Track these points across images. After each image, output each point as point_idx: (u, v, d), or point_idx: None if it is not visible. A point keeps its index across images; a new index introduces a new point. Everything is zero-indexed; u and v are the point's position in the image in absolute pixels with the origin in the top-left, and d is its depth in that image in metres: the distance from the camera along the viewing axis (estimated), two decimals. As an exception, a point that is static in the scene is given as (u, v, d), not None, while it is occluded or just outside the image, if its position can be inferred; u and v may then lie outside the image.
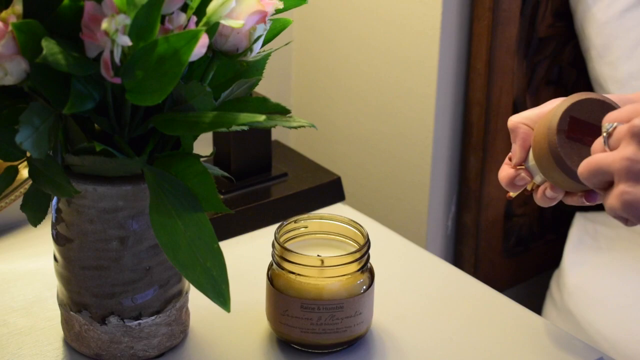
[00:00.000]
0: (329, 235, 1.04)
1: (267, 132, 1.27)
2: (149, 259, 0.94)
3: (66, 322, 0.99)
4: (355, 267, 0.98)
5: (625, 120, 0.84)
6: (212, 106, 0.89)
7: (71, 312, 0.97)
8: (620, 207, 0.82)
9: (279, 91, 1.54)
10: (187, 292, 1.00)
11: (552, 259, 1.62)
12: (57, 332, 1.02)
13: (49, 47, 0.80)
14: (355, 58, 1.47)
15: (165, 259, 0.95)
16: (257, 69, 0.95)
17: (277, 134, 1.37)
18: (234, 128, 0.87)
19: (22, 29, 0.81)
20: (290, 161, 1.33)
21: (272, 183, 1.28)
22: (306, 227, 1.04)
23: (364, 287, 0.99)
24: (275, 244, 1.00)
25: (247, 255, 1.18)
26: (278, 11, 0.91)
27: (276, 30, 0.95)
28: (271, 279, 1.00)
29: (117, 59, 0.81)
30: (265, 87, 1.12)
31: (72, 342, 0.99)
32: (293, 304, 0.98)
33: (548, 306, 1.55)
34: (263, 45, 0.92)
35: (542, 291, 1.62)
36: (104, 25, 0.80)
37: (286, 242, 1.02)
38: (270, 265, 1.01)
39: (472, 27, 1.39)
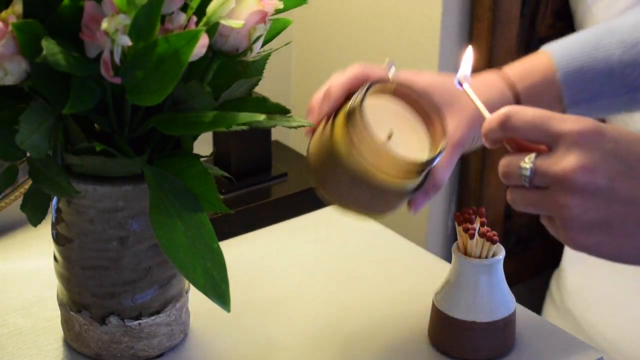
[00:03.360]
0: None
1: (267, 132, 1.27)
2: (149, 259, 0.94)
3: (66, 322, 0.99)
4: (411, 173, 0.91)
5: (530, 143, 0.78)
6: (212, 106, 0.89)
7: (71, 312, 0.97)
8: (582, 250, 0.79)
9: (279, 91, 1.54)
10: (187, 292, 1.00)
11: (552, 259, 1.62)
12: (57, 332, 1.02)
13: (49, 47, 0.80)
14: (355, 58, 1.47)
15: (165, 259, 0.95)
16: (257, 69, 0.95)
17: (277, 134, 1.37)
18: (234, 128, 0.87)
19: (22, 29, 0.81)
20: (290, 161, 1.33)
21: (272, 183, 1.28)
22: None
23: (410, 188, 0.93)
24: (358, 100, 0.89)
25: (247, 255, 1.18)
26: (278, 11, 0.91)
27: (276, 30, 0.95)
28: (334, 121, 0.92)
29: (117, 59, 0.81)
30: (265, 87, 1.12)
31: (72, 342, 0.99)
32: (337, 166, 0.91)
33: (548, 306, 1.55)
34: (263, 45, 0.92)
35: (542, 291, 1.62)
36: (104, 25, 0.80)
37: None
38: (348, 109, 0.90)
39: (472, 27, 1.40)
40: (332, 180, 0.93)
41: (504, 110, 0.79)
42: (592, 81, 0.99)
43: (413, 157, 0.90)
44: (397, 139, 0.92)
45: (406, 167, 0.89)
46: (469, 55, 0.90)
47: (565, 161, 0.75)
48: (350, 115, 0.90)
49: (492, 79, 1.00)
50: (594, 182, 0.74)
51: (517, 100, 0.99)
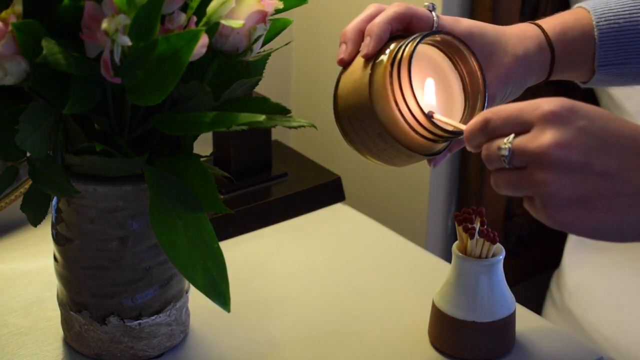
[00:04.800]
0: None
1: (267, 132, 1.27)
2: (149, 259, 0.94)
3: (66, 322, 0.99)
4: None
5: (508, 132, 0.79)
6: (212, 106, 0.89)
7: (71, 312, 0.97)
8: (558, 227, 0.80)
9: (279, 91, 1.54)
10: (187, 292, 1.00)
11: (552, 259, 1.62)
12: (57, 332, 1.02)
13: (49, 47, 0.80)
14: (355, 58, 1.47)
15: (165, 259, 0.95)
16: (257, 69, 0.95)
17: (277, 134, 1.37)
18: (234, 128, 0.87)
19: (22, 29, 0.81)
20: (290, 161, 1.33)
21: (272, 183, 1.28)
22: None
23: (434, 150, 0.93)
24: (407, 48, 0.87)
25: (247, 255, 1.18)
26: (278, 11, 0.91)
27: (276, 30, 0.95)
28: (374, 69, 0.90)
29: (117, 59, 0.81)
30: (265, 87, 1.12)
31: (72, 342, 0.99)
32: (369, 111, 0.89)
33: (548, 306, 1.55)
34: (263, 45, 0.92)
35: (542, 291, 1.62)
36: (104, 25, 0.80)
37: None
38: (392, 54, 0.88)
39: (472, 27, 1.39)
40: (359, 129, 0.91)
41: (481, 115, 0.80)
42: (628, 43, 0.98)
43: (451, 125, 0.89)
44: (432, 94, 0.91)
45: (443, 133, 0.89)
46: (430, 87, 0.91)
47: (541, 139, 0.76)
48: (397, 67, 0.88)
49: (529, 30, 0.98)
50: (569, 158, 0.76)
51: (552, 54, 0.98)
